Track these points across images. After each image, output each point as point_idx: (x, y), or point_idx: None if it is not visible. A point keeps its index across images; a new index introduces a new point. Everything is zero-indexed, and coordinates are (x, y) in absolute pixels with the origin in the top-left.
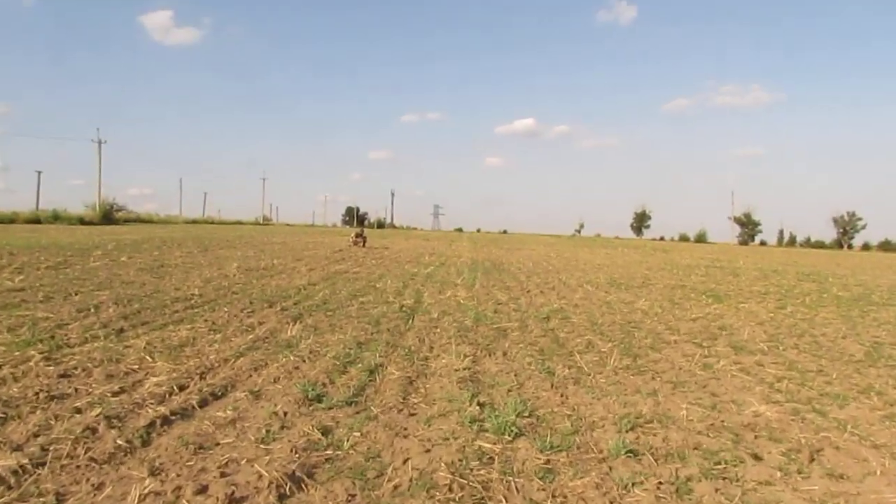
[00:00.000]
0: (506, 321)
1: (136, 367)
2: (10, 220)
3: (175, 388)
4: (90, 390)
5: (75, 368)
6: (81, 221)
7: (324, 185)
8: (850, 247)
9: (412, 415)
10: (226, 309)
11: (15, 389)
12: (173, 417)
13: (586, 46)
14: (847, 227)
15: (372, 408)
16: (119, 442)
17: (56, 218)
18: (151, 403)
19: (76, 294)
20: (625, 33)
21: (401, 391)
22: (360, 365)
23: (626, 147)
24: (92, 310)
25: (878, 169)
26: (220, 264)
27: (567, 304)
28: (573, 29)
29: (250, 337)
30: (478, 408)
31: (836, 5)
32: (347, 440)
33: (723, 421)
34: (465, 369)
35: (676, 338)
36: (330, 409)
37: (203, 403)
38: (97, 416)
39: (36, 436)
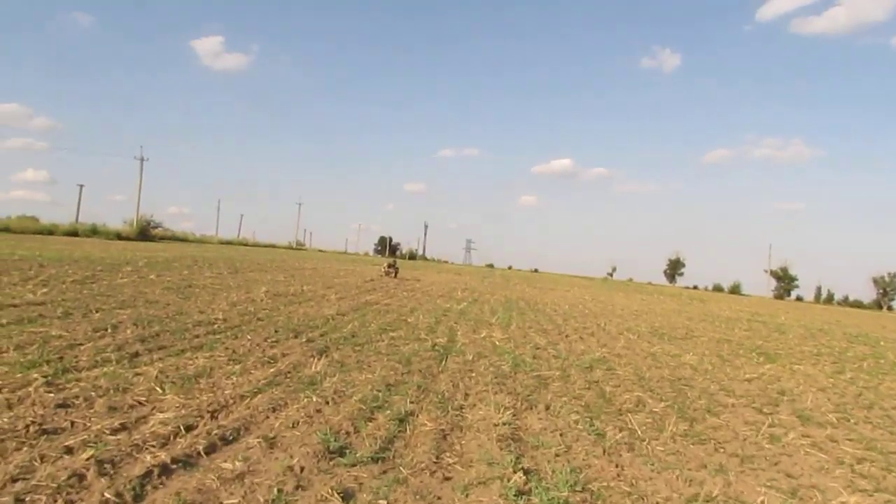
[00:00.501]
0: (546, 368)
1: (144, 398)
2: (49, 231)
3: (182, 427)
4: (88, 425)
5: (77, 397)
6: (118, 236)
7: (358, 214)
8: (889, 308)
9: (447, 479)
10: (249, 337)
11: (6, 419)
12: (174, 466)
13: (628, 92)
14: (887, 288)
15: (401, 467)
16: (107, 495)
17: (94, 232)
18: (152, 446)
19: (97, 312)
20: (667, 81)
21: (434, 447)
22: (388, 412)
23: (663, 194)
24: (109, 329)
25: None
26: (249, 287)
27: (609, 352)
28: (616, 74)
29: (271, 370)
30: (522, 476)
31: (880, 65)
32: None
33: None
34: (505, 424)
35: (733, 401)
36: (353, 465)
37: (210, 449)
38: (88, 459)
39: (14, 481)
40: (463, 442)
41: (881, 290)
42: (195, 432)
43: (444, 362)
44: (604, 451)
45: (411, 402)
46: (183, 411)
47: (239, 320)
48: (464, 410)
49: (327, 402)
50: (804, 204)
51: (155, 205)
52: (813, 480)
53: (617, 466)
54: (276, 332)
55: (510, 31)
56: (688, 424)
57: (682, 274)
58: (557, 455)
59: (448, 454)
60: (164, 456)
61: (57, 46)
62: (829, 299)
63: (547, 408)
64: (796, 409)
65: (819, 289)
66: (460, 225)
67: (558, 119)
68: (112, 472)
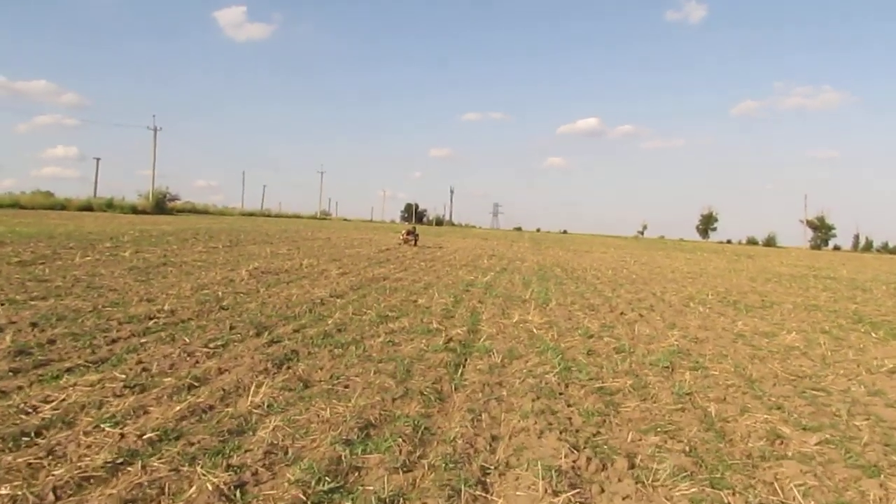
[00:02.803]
0: (609, 374)
1: None
2: (62, 206)
3: None
4: None
5: None
6: (134, 210)
7: (384, 182)
8: None
9: None
10: (186, 339)
11: None
12: None
13: (653, 46)
14: None
15: None
16: None
17: (109, 206)
18: None
19: (2, 304)
20: (693, 33)
21: None
22: (350, 499)
23: (692, 149)
24: None
25: None
26: (237, 264)
27: (685, 337)
28: (640, 28)
29: (179, 408)
30: None
31: None
32: None
33: None
34: None
35: None
36: None
37: None
38: None
39: None
40: None
41: None
42: None
43: (460, 371)
44: None
45: (395, 466)
46: None
47: (191, 312)
48: (490, 485)
49: (244, 486)
50: (838, 151)
51: (182, 178)
52: None
53: None
54: (231, 329)
55: None
56: (881, 489)
57: (714, 229)
58: None
59: None
60: None
61: (83, 23)
62: (868, 247)
63: (631, 466)
64: None
65: (857, 237)
66: (487, 189)
67: (583, 77)
68: None
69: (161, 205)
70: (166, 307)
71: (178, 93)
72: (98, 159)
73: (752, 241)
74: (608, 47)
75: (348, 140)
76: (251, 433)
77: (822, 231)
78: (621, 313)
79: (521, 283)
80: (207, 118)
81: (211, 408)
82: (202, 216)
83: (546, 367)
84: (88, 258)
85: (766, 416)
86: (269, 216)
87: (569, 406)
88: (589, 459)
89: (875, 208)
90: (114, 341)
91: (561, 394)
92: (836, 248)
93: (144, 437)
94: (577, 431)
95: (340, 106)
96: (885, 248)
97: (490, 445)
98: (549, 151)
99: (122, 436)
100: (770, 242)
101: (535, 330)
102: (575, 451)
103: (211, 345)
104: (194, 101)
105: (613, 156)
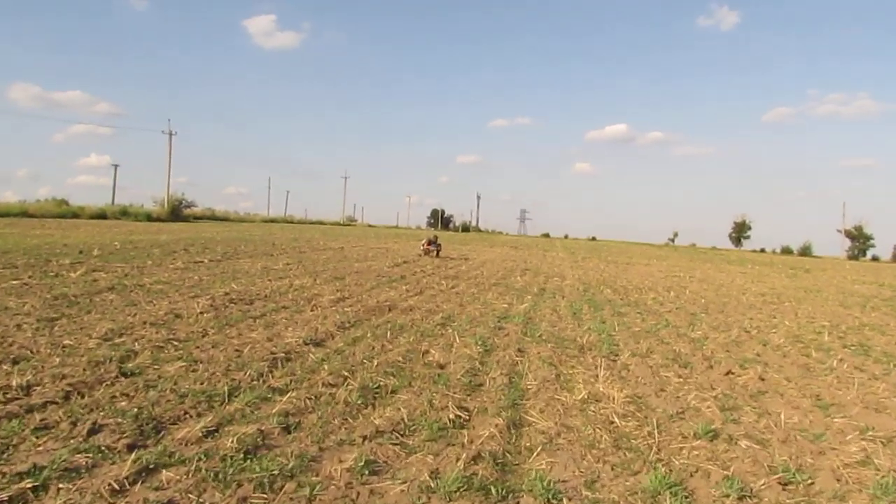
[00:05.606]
0: None
1: None
2: (75, 214)
3: None
4: None
5: None
6: (149, 218)
7: (412, 188)
8: None
9: None
10: None
11: None
12: None
13: (684, 52)
14: None
15: None
16: None
17: (124, 213)
18: None
19: None
20: (725, 39)
21: None
22: None
23: (723, 156)
24: None
25: None
26: (209, 286)
27: (863, 432)
28: (671, 34)
29: None
30: None
31: None
32: None
33: None
34: None
35: None
36: None
37: None
38: None
39: None
40: None
41: None
42: None
43: None
44: None
45: None
46: None
47: (60, 388)
48: None
49: None
50: (874, 160)
51: (212, 186)
52: None
53: None
54: (93, 431)
55: None
56: None
57: (748, 237)
58: None
59: None
60: None
61: (116, 33)
62: None
63: None
64: None
65: None
66: (514, 196)
67: (613, 84)
68: None
69: (177, 212)
70: (25, 381)
71: (207, 101)
72: (116, 166)
73: (786, 251)
74: (638, 53)
75: (376, 146)
76: None
77: (860, 241)
78: (728, 373)
79: (569, 312)
80: (236, 126)
81: None
82: (219, 223)
83: None
84: (16, 282)
85: None
86: (291, 222)
87: None
88: None
89: None
90: None
91: None
92: (875, 258)
93: None
94: None
95: (368, 112)
96: None
97: None
98: (576, 158)
99: None
100: (805, 252)
101: (616, 421)
102: None
103: (13, 487)
104: (223, 109)
105: (643, 163)
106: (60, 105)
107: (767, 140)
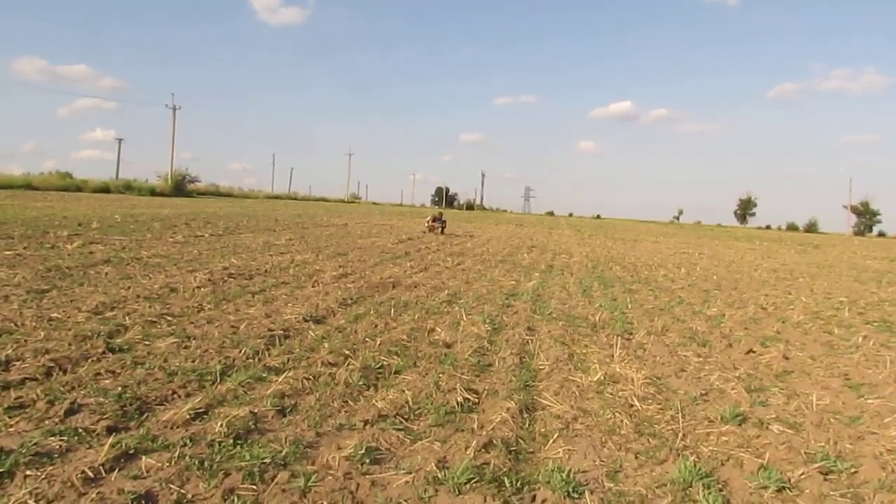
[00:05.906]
0: None
1: None
2: (78, 188)
3: None
4: None
5: None
6: (152, 192)
7: (416, 166)
8: None
9: None
10: None
11: None
12: None
13: (689, 28)
14: None
15: None
16: None
17: (128, 188)
18: None
19: None
20: (730, 14)
21: None
22: None
23: (728, 133)
24: None
25: None
26: (207, 261)
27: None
28: (676, 9)
29: None
30: None
31: None
32: None
33: None
34: None
35: None
36: None
37: None
38: None
39: None
40: None
41: None
42: None
43: None
44: None
45: None
46: None
47: (41, 364)
48: None
49: None
50: (879, 135)
51: (217, 162)
52: None
53: None
54: (70, 412)
55: None
56: None
57: (753, 214)
58: None
59: None
60: None
61: (122, 7)
62: None
63: None
64: None
65: None
66: (518, 174)
67: (616, 60)
68: None
69: (180, 187)
70: (4, 355)
71: (212, 77)
72: (120, 141)
73: (792, 227)
74: (643, 30)
75: (380, 124)
76: None
77: (866, 217)
78: (750, 351)
79: (578, 290)
80: (241, 102)
81: None
82: (222, 199)
83: None
84: (10, 252)
85: None
86: (294, 199)
87: None
88: None
89: None
90: None
91: None
92: (881, 234)
93: None
94: None
95: (372, 90)
96: None
97: None
98: (580, 135)
99: None
100: (811, 228)
101: (636, 404)
102: None
103: None
104: (228, 85)
105: (647, 140)
106: (66, 78)
107: (772, 116)
